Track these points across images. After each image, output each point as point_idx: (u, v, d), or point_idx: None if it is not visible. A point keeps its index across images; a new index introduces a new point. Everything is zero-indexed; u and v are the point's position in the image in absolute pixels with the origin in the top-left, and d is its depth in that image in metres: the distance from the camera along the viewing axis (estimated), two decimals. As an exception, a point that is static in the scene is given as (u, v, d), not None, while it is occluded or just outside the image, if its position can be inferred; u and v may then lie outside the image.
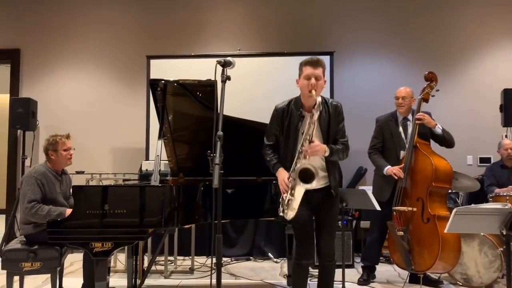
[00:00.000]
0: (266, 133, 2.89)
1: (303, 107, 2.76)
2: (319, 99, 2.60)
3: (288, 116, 2.78)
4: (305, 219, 2.75)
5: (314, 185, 2.57)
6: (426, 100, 3.62)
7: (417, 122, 3.57)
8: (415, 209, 3.42)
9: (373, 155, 3.82)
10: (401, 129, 3.79)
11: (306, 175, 2.57)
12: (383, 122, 3.87)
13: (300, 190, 2.59)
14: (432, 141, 3.79)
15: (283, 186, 2.66)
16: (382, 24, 5.74)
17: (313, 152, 2.59)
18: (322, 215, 2.82)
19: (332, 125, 2.76)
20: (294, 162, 2.64)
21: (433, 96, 3.65)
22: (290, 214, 2.63)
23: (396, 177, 3.57)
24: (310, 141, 2.58)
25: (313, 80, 2.65)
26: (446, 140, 3.70)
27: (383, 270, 4.21)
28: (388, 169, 3.64)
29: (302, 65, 2.73)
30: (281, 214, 2.68)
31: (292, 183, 2.61)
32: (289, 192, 2.62)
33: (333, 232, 2.88)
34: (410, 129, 3.74)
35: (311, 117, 2.60)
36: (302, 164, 2.59)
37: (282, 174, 2.70)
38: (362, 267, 3.98)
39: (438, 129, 3.67)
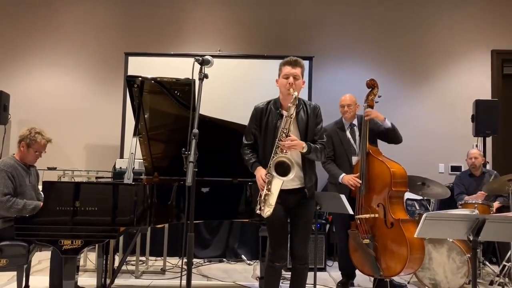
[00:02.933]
0: (245, 133, 2.90)
1: (281, 106, 2.79)
2: (295, 93, 2.65)
3: (267, 115, 2.80)
4: (280, 221, 2.77)
5: (291, 176, 2.57)
6: (371, 106, 3.67)
7: (366, 118, 3.60)
8: (377, 215, 3.47)
9: (327, 164, 3.81)
10: (349, 135, 3.83)
11: (282, 168, 2.58)
12: (331, 131, 3.84)
13: (277, 183, 2.59)
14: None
15: (260, 182, 2.68)
16: (360, 32, 5.83)
17: (290, 145, 2.61)
18: (297, 218, 2.83)
19: (310, 125, 2.79)
20: (271, 157, 2.65)
21: (377, 102, 3.70)
22: (267, 211, 2.62)
23: (353, 188, 3.58)
24: (287, 135, 2.62)
25: (291, 79, 2.70)
26: (395, 135, 3.72)
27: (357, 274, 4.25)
28: (344, 178, 3.65)
29: (282, 65, 2.80)
30: (258, 211, 2.66)
31: (269, 178, 2.61)
32: (265, 187, 2.62)
33: (308, 235, 2.89)
34: (357, 134, 3.79)
35: (287, 111, 2.65)
36: (278, 156, 2.60)
37: (259, 171, 2.72)
38: (341, 273, 3.99)
39: (388, 123, 3.69)
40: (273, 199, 2.61)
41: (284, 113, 2.74)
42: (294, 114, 2.67)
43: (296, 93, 2.66)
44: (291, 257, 2.87)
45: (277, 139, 2.66)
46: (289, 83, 2.70)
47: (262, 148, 2.81)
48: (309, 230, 2.91)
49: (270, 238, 2.83)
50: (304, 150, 2.69)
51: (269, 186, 2.61)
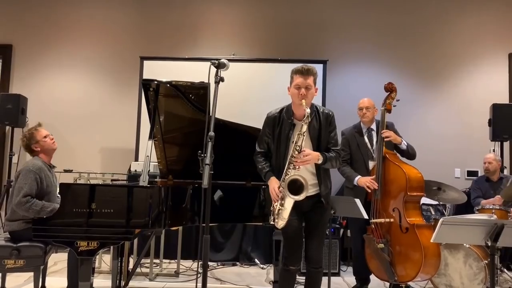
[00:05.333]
0: (258, 141, 2.89)
1: (294, 115, 2.77)
2: (308, 110, 2.61)
3: (280, 124, 2.78)
4: (295, 226, 2.75)
5: (303, 196, 2.57)
6: (389, 110, 3.65)
7: (385, 139, 3.58)
8: (392, 220, 3.43)
9: (342, 167, 3.77)
10: (367, 139, 3.82)
11: (294, 186, 2.59)
12: (348, 134, 3.87)
13: (290, 201, 2.60)
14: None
15: (273, 195, 2.67)
16: (375, 36, 5.81)
17: (303, 161, 2.61)
18: (312, 222, 2.82)
19: (323, 134, 2.77)
20: (284, 172, 2.64)
21: (394, 106, 3.67)
22: (281, 224, 2.64)
23: (369, 190, 3.54)
24: (300, 151, 2.60)
25: (303, 91, 2.65)
26: (409, 154, 3.75)
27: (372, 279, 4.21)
28: (359, 180, 3.63)
29: (293, 73, 2.73)
30: (272, 222, 2.68)
31: (282, 193, 2.62)
32: (279, 202, 2.63)
33: (322, 239, 2.87)
34: (375, 139, 3.78)
35: (300, 129, 2.62)
36: (291, 175, 2.60)
37: (273, 183, 2.71)
38: (356, 278, 3.96)
39: (404, 145, 3.70)
40: (286, 214, 2.62)
41: (297, 122, 2.72)
42: (307, 129, 2.64)
43: (309, 110, 2.62)
44: (306, 260, 2.85)
45: (289, 155, 2.64)
46: (301, 94, 2.65)
47: (275, 158, 2.80)
48: (324, 234, 2.89)
49: (285, 243, 2.83)
50: (320, 161, 2.68)
51: (283, 202, 2.62)
